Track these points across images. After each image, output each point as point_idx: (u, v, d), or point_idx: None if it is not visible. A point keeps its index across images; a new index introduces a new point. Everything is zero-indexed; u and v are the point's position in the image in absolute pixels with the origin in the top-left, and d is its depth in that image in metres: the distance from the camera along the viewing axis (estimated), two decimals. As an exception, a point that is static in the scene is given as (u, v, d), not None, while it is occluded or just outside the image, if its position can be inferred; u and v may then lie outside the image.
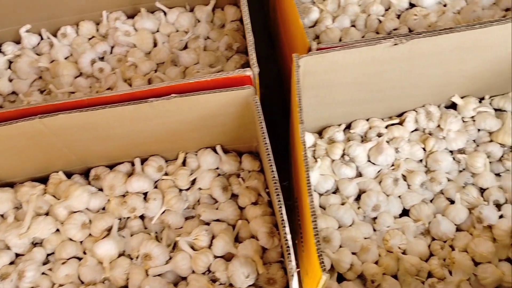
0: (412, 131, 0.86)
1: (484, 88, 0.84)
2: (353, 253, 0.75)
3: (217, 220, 0.75)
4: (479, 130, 0.84)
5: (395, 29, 0.86)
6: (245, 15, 0.69)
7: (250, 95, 0.64)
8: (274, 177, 0.57)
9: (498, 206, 0.78)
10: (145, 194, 0.78)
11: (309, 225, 0.53)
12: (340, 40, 0.89)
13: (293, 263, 0.52)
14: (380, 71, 0.72)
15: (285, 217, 0.54)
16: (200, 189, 0.78)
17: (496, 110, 0.86)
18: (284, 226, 0.54)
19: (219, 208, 0.76)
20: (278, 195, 0.56)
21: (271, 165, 0.58)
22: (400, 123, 0.86)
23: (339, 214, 0.77)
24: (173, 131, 0.73)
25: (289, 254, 0.53)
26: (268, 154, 0.58)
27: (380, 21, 0.88)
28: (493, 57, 0.75)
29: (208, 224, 0.75)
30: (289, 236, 0.54)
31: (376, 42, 0.65)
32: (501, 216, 0.76)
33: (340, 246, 0.74)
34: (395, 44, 0.65)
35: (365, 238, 0.77)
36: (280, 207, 0.55)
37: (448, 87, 0.82)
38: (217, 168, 0.79)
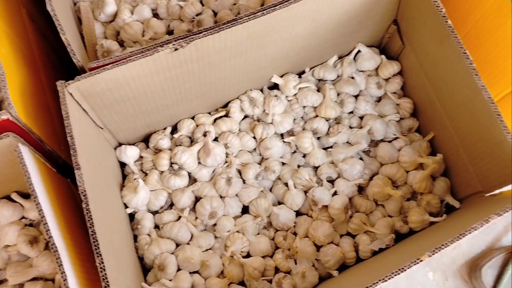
0: (243, 119, 0.81)
1: (302, 62, 0.81)
2: (196, 272, 0.70)
3: (34, 279, 0.65)
4: (304, 107, 0.81)
5: (198, 14, 0.78)
6: (-9, 41, 0.55)
7: (12, 144, 0.52)
8: (48, 230, 0.48)
9: (332, 181, 0.77)
10: None
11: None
12: (143, 35, 0.78)
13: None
14: (176, 74, 0.64)
15: (68, 282, 0.46)
16: (8, 246, 0.67)
17: (319, 80, 0.84)
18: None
19: (32, 264, 0.65)
20: (58, 258, 0.47)
21: (42, 217, 0.48)
22: (227, 115, 0.80)
23: (174, 232, 0.71)
24: None
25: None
26: (40, 210, 0.49)
27: (181, 7, 0.79)
28: (293, 35, 0.70)
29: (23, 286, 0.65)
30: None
31: (153, 51, 0.56)
32: (335, 193, 0.75)
33: (179, 269, 0.69)
34: (176, 50, 0.57)
35: (207, 250, 0.72)
36: (60, 265, 0.47)
37: (265, 70, 0.77)
38: (23, 218, 0.68)
